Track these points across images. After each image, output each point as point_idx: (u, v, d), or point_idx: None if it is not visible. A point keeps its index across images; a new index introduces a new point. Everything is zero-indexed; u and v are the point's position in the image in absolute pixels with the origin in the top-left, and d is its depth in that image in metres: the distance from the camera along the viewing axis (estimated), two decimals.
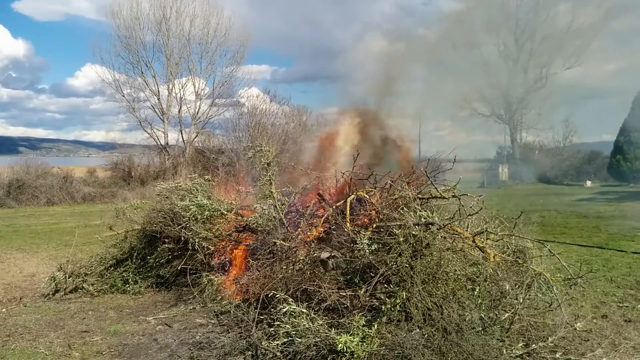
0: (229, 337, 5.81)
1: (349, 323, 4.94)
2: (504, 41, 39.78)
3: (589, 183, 34.77)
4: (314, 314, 5.10)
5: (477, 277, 5.54)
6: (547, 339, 5.55)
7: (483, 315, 5.26)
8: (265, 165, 7.32)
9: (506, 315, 5.42)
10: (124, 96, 34.76)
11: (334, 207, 6.74)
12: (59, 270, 8.17)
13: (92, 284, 8.15)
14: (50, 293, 7.99)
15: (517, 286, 5.71)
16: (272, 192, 7.28)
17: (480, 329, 5.14)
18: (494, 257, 5.96)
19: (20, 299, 7.93)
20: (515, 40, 39.96)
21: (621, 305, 7.18)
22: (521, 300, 5.50)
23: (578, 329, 5.89)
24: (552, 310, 6.04)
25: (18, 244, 13.17)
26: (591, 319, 6.53)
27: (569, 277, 6.40)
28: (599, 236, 13.13)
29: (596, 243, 12.03)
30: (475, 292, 5.40)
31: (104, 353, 5.73)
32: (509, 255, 6.46)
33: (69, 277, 8.09)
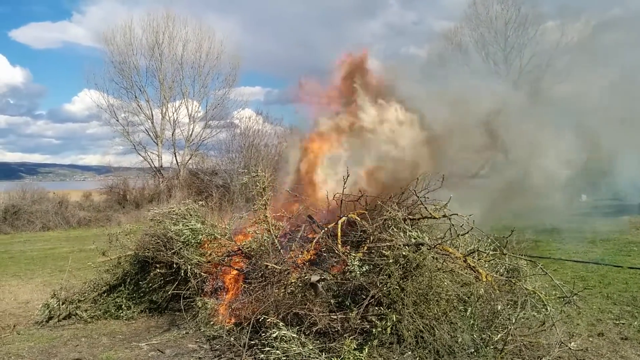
0: None
1: (339, 347, 4.92)
2: (494, 58, 40.10)
3: (584, 197, 34.72)
4: (305, 337, 5.08)
5: (468, 297, 5.51)
6: (542, 359, 5.51)
7: (475, 337, 5.23)
8: (261, 191, 7.33)
9: (499, 335, 5.38)
10: (118, 121, 34.83)
11: (325, 229, 6.74)
12: (52, 297, 8.13)
13: (86, 310, 8.10)
14: (44, 320, 7.94)
15: (508, 306, 5.68)
16: (266, 216, 7.29)
17: (473, 350, 5.11)
18: (486, 276, 5.94)
19: (14, 326, 7.86)
20: (504, 57, 40.27)
21: (617, 322, 7.12)
22: (514, 321, 5.45)
23: (573, 348, 5.81)
24: (546, 329, 5.98)
25: (13, 271, 13.09)
26: (587, 338, 6.47)
27: (564, 295, 6.37)
28: (595, 251, 13.09)
29: (592, 259, 11.98)
30: (467, 313, 5.38)
31: None
32: (501, 274, 6.44)
33: (62, 304, 8.05)
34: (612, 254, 12.67)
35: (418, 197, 6.44)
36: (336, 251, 6.19)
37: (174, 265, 7.72)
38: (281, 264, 6.49)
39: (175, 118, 35.56)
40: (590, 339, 6.45)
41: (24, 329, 7.76)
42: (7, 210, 24.93)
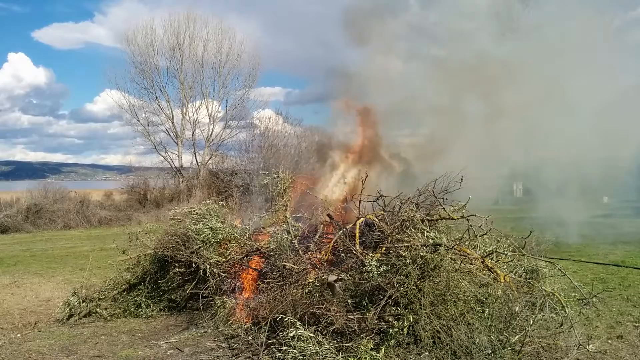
0: None
1: (356, 347, 4.94)
2: None
3: (605, 199, 34.14)
4: (322, 337, 5.11)
5: (486, 298, 5.50)
6: None
7: (493, 338, 5.21)
8: (281, 192, 7.38)
9: (516, 337, 5.35)
10: (139, 121, 35.28)
11: (343, 229, 6.75)
12: (73, 295, 8.24)
13: (106, 309, 8.20)
14: (65, 318, 8.05)
15: (526, 307, 5.65)
16: (286, 217, 7.33)
17: (490, 351, 5.09)
18: (504, 277, 5.91)
19: (35, 324, 7.98)
20: None
21: (637, 325, 7.04)
22: (532, 322, 5.42)
23: (591, 350, 5.76)
24: (564, 331, 5.92)
25: (35, 269, 13.31)
26: (606, 340, 6.41)
27: (583, 296, 6.31)
28: (615, 254, 12.93)
29: (612, 261, 11.85)
30: (485, 314, 5.36)
31: None
32: (520, 276, 6.40)
33: (82, 302, 8.15)
34: (633, 256, 12.52)
35: (436, 197, 6.43)
36: (354, 251, 6.21)
37: (193, 265, 7.79)
38: (299, 263, 6.52)
39: (195, 118, 35.98)
40: (609, 342, 6.39)
41: (45, 326, 7.88)
42: (29, 209, 25.35)
